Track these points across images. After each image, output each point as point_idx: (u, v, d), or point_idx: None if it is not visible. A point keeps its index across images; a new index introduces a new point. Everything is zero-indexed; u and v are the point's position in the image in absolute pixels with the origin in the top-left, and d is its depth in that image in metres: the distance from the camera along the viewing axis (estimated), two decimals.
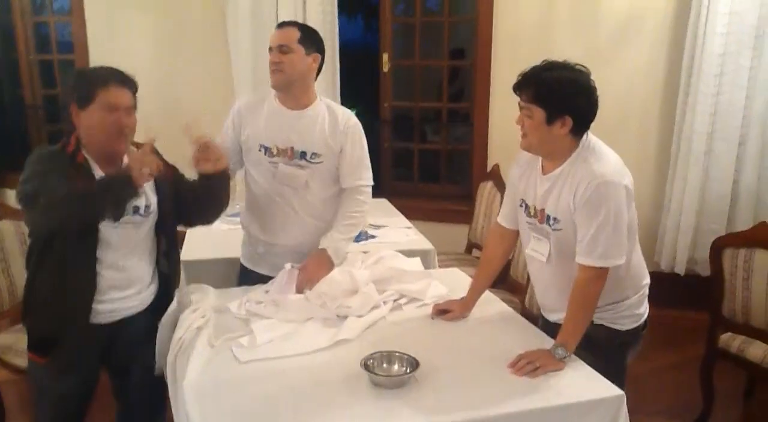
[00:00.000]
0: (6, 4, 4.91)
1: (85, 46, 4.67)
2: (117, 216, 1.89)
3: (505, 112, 4.25)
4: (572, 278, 1.95)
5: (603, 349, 1.96)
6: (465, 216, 4.09)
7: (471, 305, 2.23)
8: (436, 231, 3.55)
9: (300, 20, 4.19)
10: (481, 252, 2.40)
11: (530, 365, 1.82)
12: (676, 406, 3.09)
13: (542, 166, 2.02)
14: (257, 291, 2.29)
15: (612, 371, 1.86)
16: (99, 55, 4.51)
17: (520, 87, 1.91)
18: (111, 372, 2.22)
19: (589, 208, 1.85)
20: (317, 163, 2.42)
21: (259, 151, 2.43)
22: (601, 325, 2.02)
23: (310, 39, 2.39)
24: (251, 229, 2.56)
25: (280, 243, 2.50)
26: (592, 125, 1.94)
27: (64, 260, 1.93)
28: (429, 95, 5.15)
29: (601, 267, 1.87)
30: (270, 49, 2.38)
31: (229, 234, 2.93)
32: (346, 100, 4.56)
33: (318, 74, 2.47)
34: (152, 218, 2.10)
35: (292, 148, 2.41)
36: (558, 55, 1.95)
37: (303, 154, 2.42)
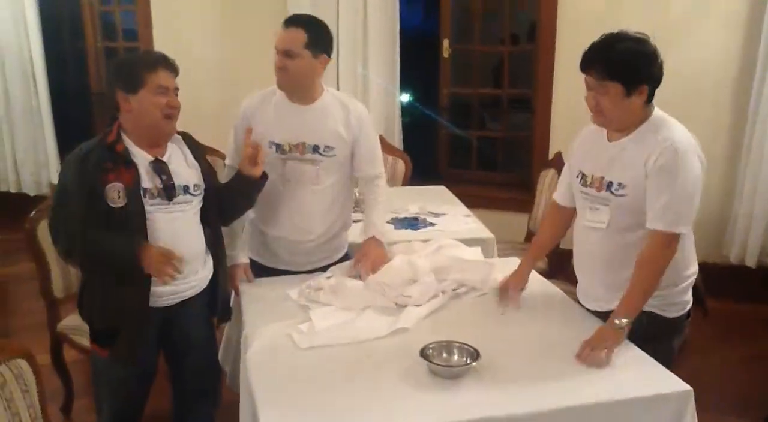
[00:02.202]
0: None
1: (149, 33, 4.76)
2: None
3: (568, 98, 4.14)
4: (625, 250, 1.93)
5: (652, 338, 1.91)
6: (523, 204, 4.00)
7: (524, 277, 2.24)
8: (494, 219, 3.48)
9: (361, 7, 4.14)
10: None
11: (597, 349, 1.79)
12: (743, 403, 2.97)
13: (608, 135, 2.00)
14: (317, 278, 2.30)
15: (660, 361, 1.82)
16: (163, 43, 4.57)
17: (589, 65, 1.88)
18: (168, 357, 2.25)
19: (664, 174, 1.83)
20: (331, 155, 2.40)
21: (270, 148, 2.37)
22: (651, 313, 1.96)
23: (318, 40, 2.31)
24: (259, 225, 2.51)
25: (289, 238, 2.47)
26: (664, 106, 1.95)
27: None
28: (483, 82, 5.05)
29: (671, 234, 1.83)
30: (276, 48, 2.33)
31: None
32: (403, 87, 4.52)
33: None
34: (200, 199, 2.12)
35: (303, 143, 2.38)
36: None
37: (316, 148, 2.38)
